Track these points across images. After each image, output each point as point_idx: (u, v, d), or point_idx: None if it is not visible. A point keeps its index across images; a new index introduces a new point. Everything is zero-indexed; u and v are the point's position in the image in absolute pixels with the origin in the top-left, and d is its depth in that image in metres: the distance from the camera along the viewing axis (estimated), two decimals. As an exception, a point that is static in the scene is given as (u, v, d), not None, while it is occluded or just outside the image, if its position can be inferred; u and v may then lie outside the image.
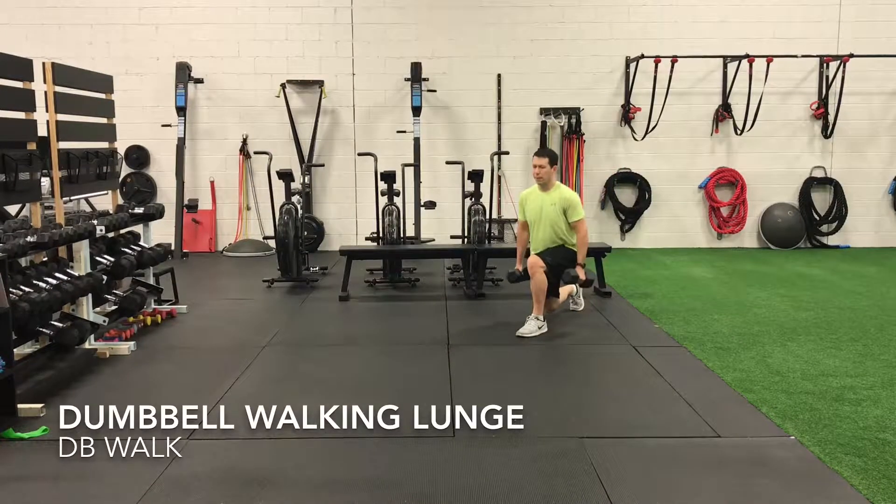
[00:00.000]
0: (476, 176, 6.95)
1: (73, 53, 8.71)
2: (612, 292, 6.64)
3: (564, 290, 5.70)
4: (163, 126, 9.06)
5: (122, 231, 5.59)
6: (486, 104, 9.25)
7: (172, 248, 6.68)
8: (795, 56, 8.89)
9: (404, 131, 8.98)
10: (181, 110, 8.88)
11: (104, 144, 5.68)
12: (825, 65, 9.15)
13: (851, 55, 8.80)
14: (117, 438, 3.47)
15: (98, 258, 5.09)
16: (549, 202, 5.42)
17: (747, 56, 8.74)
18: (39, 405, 3.78)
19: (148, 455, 3.27)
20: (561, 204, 5.38)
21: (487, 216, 7.06)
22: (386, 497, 2.88)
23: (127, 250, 5.44)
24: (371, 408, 3.88)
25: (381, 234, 7.15)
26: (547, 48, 9.16)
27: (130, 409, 3.85)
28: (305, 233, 7.46)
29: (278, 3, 9.06)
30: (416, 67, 8.80)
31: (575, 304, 5.99)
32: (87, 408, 3.86)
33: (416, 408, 3.88)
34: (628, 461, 3.20)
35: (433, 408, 3.85)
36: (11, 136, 4.37)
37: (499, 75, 9.20)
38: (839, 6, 9.11)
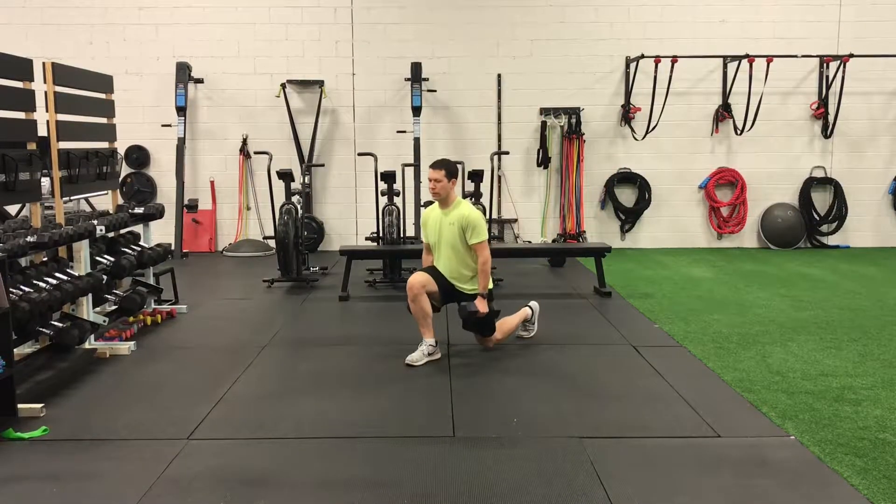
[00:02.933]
0: (476, 176, 6.95)
1: (73, 53, 8.72)
2: (612, 292, 6.64)
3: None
4: (163, 126, 9.06)
5: (122, 231, 5.59)
6: (486, 104, 9.25)
7: (172, 248, 6.67)
8: (795, 56, 8.89)
9: (404, 131, 8.98)
10: (181, 110, 8.88)
11: (104, 144, 5.68)
12: (825, 65, 9.15)
13: (851, 55, 8.80)
14: (117, 438, 3.48)
15: (98, 258, 5.09)
16: (448, 221, 4.69)
17: (747, 56, 8.74)
18: (39, 405, 3.78)
19: (148, 455, 3.28)
20: (459, 223, 4.64)
21: (487, 216, 7.05)
22: (386, 497, 2.88)
23: (127, 250, 5.44)
24: (371, 408, 3.89)
25: (381, 234, 7.15)
26: (547, 48, 9.16)
27: (130, 409, 3.87)
28: (305, 233, 7.46)
29: (278, 3, 9.06)
30: (416, 67, 8.80)
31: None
32: (87, 408, 3.88)
33: (417, 408, 3.90)
34: (628, 461, 3.20)
35: (433, 408, 3.87)
36: (11, 136, 4.37)
37: (499, 75, 9.20)
38: (839, 6, 9.11)
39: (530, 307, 5.15)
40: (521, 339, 5.10)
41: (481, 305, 4.63)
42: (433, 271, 4.74)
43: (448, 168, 4.70)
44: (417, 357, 4.57)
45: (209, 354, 4.89)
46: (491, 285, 4.83)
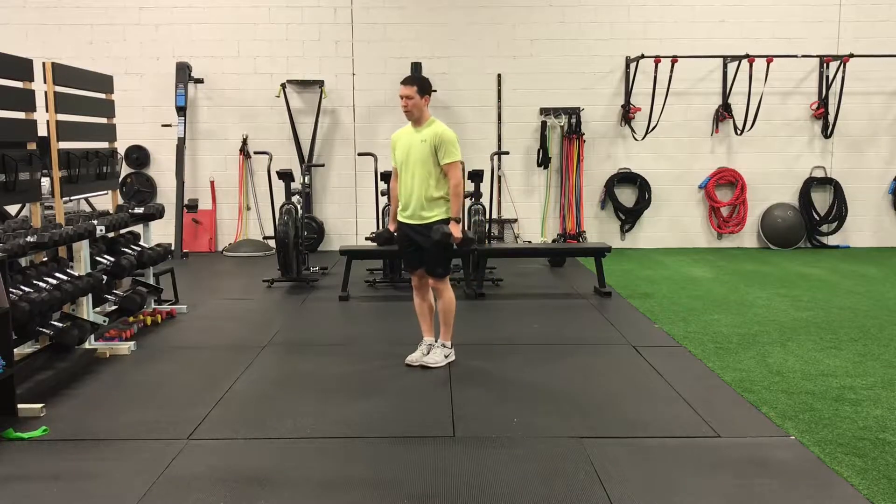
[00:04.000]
0: (476, 176, 6.95)
1: (73, 53, 8.72)
2: (612, 292, 6.64)
3: (452, 314, 4.59)
4: (163, 126, 9.07)
5: (122, 231, 5.59)
6: (486, 104, 9.25)
7: (172, 248, 6.67)
8: (795, 56, 8.89)
9: (404, 131, 8.97)
10: (181, 110, 8.88)
11: (104, 144, 5.68)
12: (825, 65, 9.15)
13: (851, 55, 8.81)
14: (117, 438, 3.48)
15: (98, 258, 5.09)
16: (420, 138, 4.41)
17: (747, 56, 8.74)
18: (39, 405, 3.78)
19: (148, 455, 3.28)
20: (432, 140, 4.36)
21: (487, 216, 7.06)
22: (386, 497, 2.88)
23: (127, 250, 5.44)
24: (371, 408, 3.89)
25: (381, 234, 7.13)
26: (547, 48, 9.16)
27: (130, 409, 3.87)
28: (305, 233, 7.46)
29: (278, 3, 9.06)
30: (416, 67, 8.79)
31: (419, 357, 4.58)
32: (87, 408, 3.88)
33: (417, 408, 3.90)
34: (628, 461, 3.20)
35: (433, 408, 3.87)
36: (11, 136, 4.37)
37: (499, 75, 9.20)
38: (839, 6, 9.11)
39: (448, 347, 4.62)
40: (425, 367, 4.52)
41: (455, 230, 4.39)
42: (403, 240, 4.54)
43: (420, 84, 4.40)
44: (437, 358, 4.51)
45: (209, 354, 4.89)
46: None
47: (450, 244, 4.40)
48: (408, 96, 4.37)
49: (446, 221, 4.43)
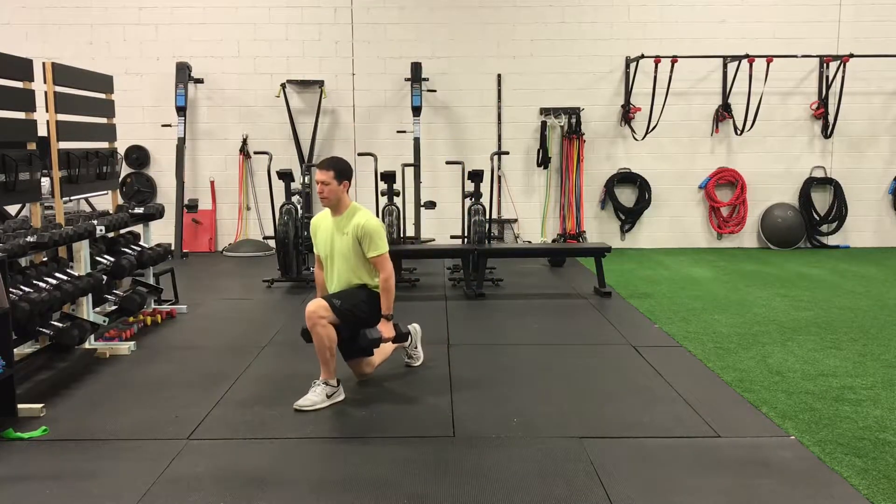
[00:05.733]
0: (476, 176, 6.95)
1: (73, 53, 8.71)
2: (612, 292, 6.64)
3: (384, 350, 4.30)
4: (163, 126, 9.06)
5: (122, 231, 5.59)
6: (486, 104, 9.25)
7: (172, 248, 6.67)
8: (795, 56, 8.89)
9: (404, 131, 8.98)
10: (181, 110, 8.88)
11: (104, 144, 5.68)
12: (825, 65, 9.15)
13: (851, 55, 8.80)
14: (117, 438, 3.48)
15: (98, 258, 5.09)
16: (341, 230, 4.01)
17: (747, 56, 8.74)
18: (39, 405, 3.78)
19: (148, 455, 3.28)
20: (354, 233, 3.96)
21: (487, 216, 7.06)
22: (386, 497, 2.88)
23: (127, 250, 5.43)
24: (371, 408, 3.89)
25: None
26: (547, 48, 9.16)
27: (130, 409, 3.87)
28: (306, 233, 7.45)
29: (278, 3, 9.06)
30: (416, 67, 8.80)
31: (409, 357, 4.54)
32: (87, 408, 3.88)
33: (417, 408, 3.89)
34: (628, 461, 3.20)
35: (433, 408, 3.87)
36: (11, 136, 4.37)
37: (499, 75, 9.20)
38: (839, 6, 9.11)
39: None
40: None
41: (386, 330, 4.01)
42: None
43: (338, 168, 3.98)
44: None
45: (209, 354, 4.89)
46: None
47: (378, 339, 4.02)
48: (324, 181, 3.93)
49: (377, 307, 4.03)
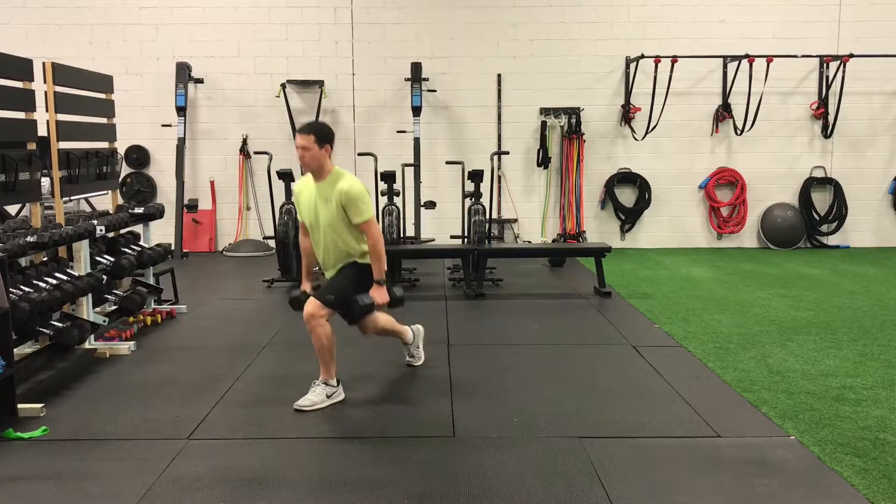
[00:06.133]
0: (476, 176, 6.95)
1: (73, 53, 8.72)
2: (612, 292, 6.64)
3: (389, 322, 4.29)
4: (163, 126, 9.07)
5: (122, 231, 5.59)
6: (486, 104, 9.25)
7: (172, 248, 6.67)
8: (795, 56, 8.89)
9: (404, 131, 8.98)
10: (181, 110, 8.88)
11: (104, 144, 5.68)
12: (825, 65, 9.15)
13: (851, 55, 8.80)
14: (117, 438, 3.48)
15: (98, 258, 5.09)
16: (324, 198, 3.88)
17: (747, 56, 8.74)
18: (39, 405, 3.78)
19: (148, 455, 3.28)
20: (338, 199, 3.82)
21: (487, 216, 7.06)
22: (386, 497, 2.88)
23: (127, 250, 5.44)
24: (371, 408, 3.89)
25: (380, 234, 7.13)
26: (547, 48, 9.16)
27: (130, 409, 3.87)
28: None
29: (278, 3, 9.06)
30: (416, 67, 8.80)
31: (411, 357, 4.51)
32: (87, 408, 3.88)
33: (417, 408, 3.90)
34: (628, 461, 3.20)
35: (433, 408, 3.87)
36: (11, 136, 4.37)
37: (499, 75, 9.20)
38: (839, 6, 9.11)
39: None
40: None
41: (378, 295, 3.90)
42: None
43: (318, 133, 3.89)
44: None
45: (209, 354, 4.89)
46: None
47: (371, 305, 3.93)
48: (304, 146, 3.85)
49: (369, 273, 3.92)
